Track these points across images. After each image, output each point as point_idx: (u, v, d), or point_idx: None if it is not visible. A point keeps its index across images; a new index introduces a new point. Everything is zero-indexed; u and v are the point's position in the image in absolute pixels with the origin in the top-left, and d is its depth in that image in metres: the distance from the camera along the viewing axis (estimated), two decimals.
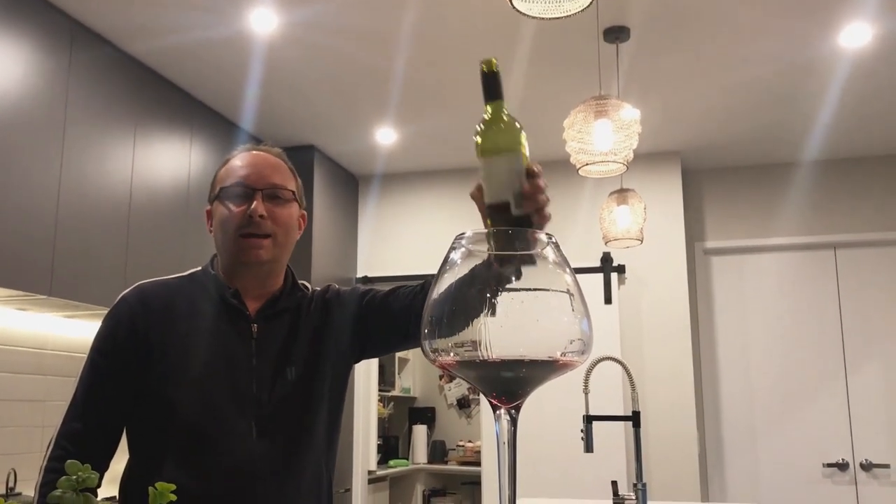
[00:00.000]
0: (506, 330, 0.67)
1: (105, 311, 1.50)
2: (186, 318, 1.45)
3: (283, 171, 1.53)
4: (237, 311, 1.47)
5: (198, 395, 1.40)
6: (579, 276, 0.70)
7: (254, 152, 1.53)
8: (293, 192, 1.52)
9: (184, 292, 1.49)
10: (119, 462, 1.46)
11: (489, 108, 1.07)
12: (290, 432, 1.43)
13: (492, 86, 1.06)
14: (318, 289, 1.61)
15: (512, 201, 1.05)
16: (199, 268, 1.56)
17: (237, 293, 1.48)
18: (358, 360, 1.61)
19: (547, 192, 1.14)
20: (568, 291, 0.69)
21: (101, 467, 1.41)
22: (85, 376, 1.44)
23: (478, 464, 5.65)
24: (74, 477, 0.75)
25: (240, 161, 1.51)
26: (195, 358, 1.42)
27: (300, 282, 1.59)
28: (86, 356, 1.46)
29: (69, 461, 0.76)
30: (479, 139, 1.06)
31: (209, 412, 1.39)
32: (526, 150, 1.08)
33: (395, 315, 1.51)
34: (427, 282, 1.50)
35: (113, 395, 1.43)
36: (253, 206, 1.44)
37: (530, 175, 1.09)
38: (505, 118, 1.06)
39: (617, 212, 3.55)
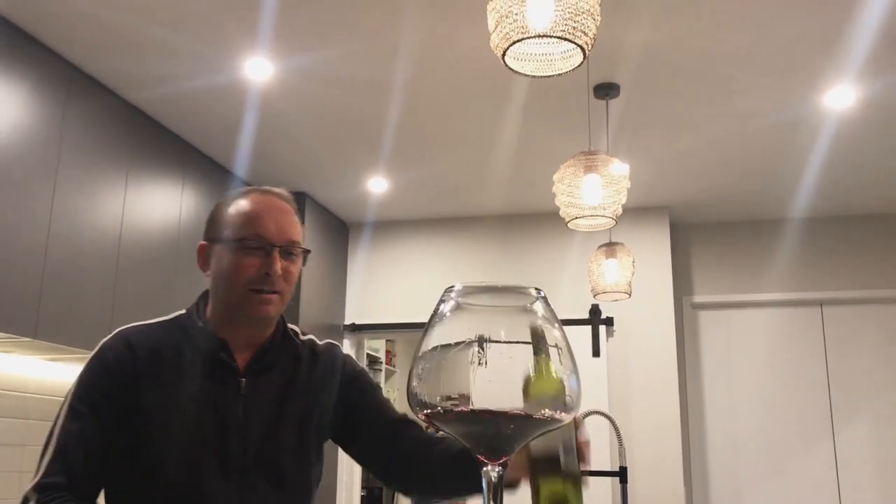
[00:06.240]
0: (494, 385, 0.67)
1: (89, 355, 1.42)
2: (172, 371, 1.37)
3: (296, 223, 1.43)
4: (225, 365, 1.39)
5: (182, 453, 1.33)
6: (568, 329, 0.70)
7: (269, 198, 1.42)
8: (303, 249, 1.43)
9: (169, 341, 1.40)
10: None
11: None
12: (275, 492, 1.38)
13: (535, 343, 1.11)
14: (320, 343, 1.52)
15: (562, 453, 1.06)
16: (185, 310, 1.46)
17: (225, 345, 1.39)
18: (336, 441, 1.53)
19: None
20: (556, 346, 0.69)
21: None
22: (66, 428, 1.33)
23: None
24: None
25: (255, 206, 1.40)
26: (181, 414, 1.35)
27: (290, 327, 1.49)
28: (63, 405, 1.35)
29: None
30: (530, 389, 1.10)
31: (193, 472, 1.33)
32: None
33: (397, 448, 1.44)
34: (447, 442, 1.39)
35: (96, 448, 1.33)
36: (273, 265, 1.36)
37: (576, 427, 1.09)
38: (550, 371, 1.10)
39: (605, 265, 3.56)
